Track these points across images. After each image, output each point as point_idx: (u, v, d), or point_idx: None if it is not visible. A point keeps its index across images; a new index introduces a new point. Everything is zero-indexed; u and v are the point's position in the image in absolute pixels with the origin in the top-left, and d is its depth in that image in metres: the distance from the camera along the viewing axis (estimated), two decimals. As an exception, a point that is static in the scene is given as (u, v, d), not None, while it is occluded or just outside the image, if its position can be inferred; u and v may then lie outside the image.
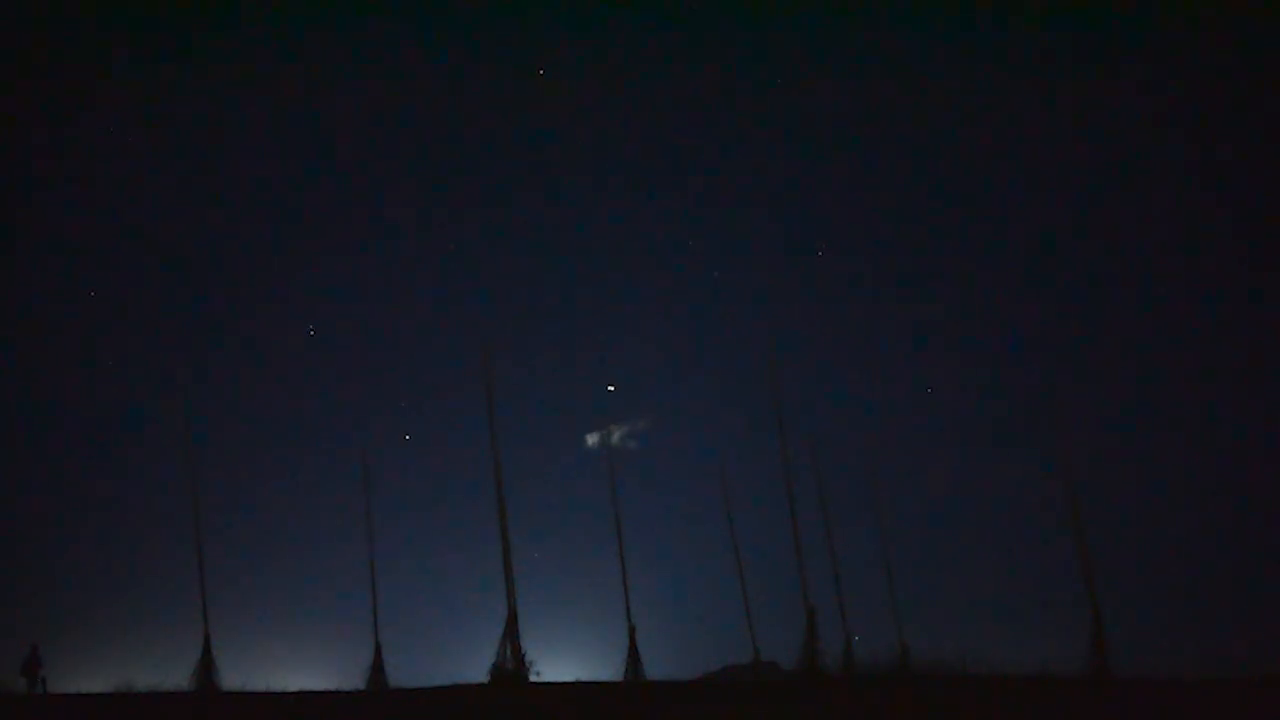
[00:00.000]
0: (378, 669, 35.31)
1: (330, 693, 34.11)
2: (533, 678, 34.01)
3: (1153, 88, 47.15)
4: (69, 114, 49.71)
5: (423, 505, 45.02)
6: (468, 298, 48.95)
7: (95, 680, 35.30)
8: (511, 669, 33.89)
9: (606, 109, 51.58)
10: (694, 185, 51.54)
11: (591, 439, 46.27)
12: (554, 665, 35.64)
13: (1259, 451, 44.30)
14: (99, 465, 46.16)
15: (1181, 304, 46.87)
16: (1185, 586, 41.86)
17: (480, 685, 33.82)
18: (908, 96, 49.67)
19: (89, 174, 49.74)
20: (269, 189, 50.71)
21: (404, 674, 35.34)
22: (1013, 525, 44.27)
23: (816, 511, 39.43)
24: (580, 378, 48.13)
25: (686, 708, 31.45)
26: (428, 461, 46.04)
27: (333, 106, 51.19)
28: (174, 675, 34.38)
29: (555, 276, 50.67)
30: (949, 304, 49.13)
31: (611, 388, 43.17)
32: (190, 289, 49.06)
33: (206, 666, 34.61)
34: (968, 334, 48.32)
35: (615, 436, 40.35)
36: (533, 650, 34.30)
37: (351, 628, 36.68)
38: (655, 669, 36.06)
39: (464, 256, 50.46)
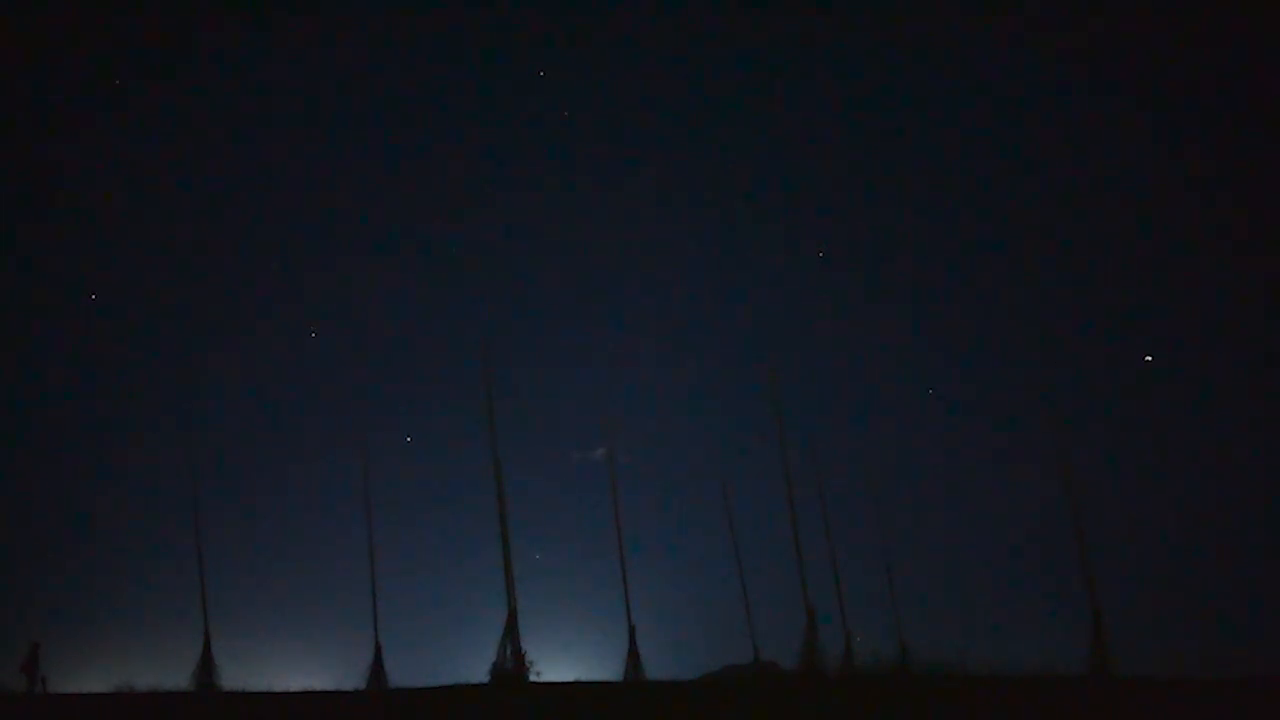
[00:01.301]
0: (378, 669, 35.30)
1: (330, 692, 34.10)
2: (533, 678, 33.90)
3: (1151, 90, 47.15)
4: (67, 111, 49.71)
5: (423, 506, 45.04)
6: (469, 298, 48.93)
7: (95, 680, 35.23)
8: (511, 669, 33.85)
9: (606, 110, 51.55)
10: (694, 187, 51.51)
11: (578, 455, 46.43)
12: (554, 665, 35.76)
13: (1259, 450, 44.26)
14: (100, 465, 46.07)
15: (1182, 304, 46.87)
16: (1186, 585, 41.86)
17: (480, 685, 33.84)
18: (908, 95, 49.64)
19: (87, 175, 49.71)
20: (270, 190, 50.60)
21: (404, 674, 35.33)
22: (1013, 524, 44.28)
23: (817, 511, 39.51)
24: (584, 377, 48.16)
25: (687, 707, 31.47)
26: (429, 462, 46.03)
27: (333, 107, 51.19)
28: (174, 675, 34.36)
29: (556, 276, 50.63)
30: (950, 304, 49.11)
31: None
32: (190, 290, 48.96)
33: (206, 666, 34.59)
34: (968, 334, 48.29)
35: (614, 439, 40.21)
36: (533, 650, 34.30)
37: (351, 628, 36.69)
38: (655, 669, 36.14)
39: (465, 255, 50.41)
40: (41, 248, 48.41)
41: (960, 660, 35.27)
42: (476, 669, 34.13)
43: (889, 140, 49.87)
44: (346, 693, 34.10)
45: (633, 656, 35.80)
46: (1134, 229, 47.48)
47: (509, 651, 33.96)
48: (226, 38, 49.90)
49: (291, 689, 33.88)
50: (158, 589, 41.53)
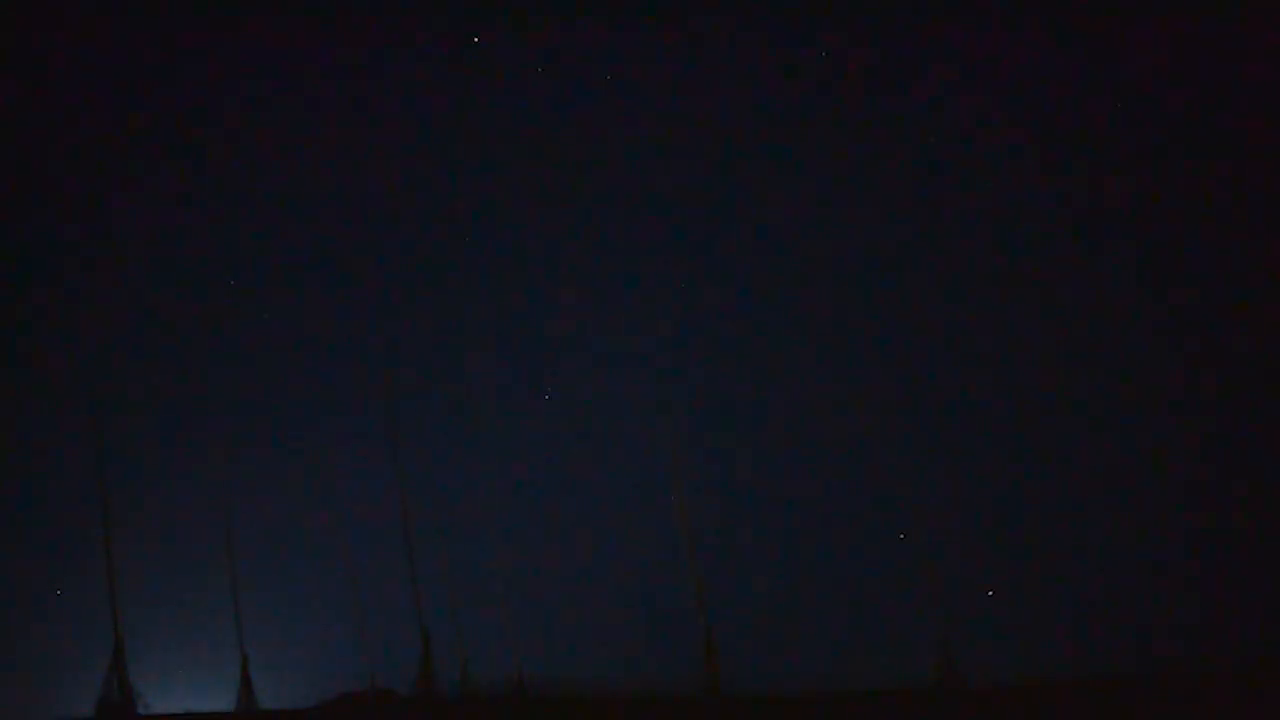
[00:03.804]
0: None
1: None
2: (141, 710, 32.81)
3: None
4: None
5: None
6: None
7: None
8: (119, 702, 32.64)
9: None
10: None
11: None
12: (164, 696, 34.13)
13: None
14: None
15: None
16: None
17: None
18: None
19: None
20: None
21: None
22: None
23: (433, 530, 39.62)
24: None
25: None
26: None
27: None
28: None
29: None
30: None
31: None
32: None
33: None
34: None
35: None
36: (141, 681, 33.25)
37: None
38: (270, 698, 35.17)
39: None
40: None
41: (580, 681, 36.32)
42: (80, 703, 32.65)
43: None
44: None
45: (245, 685, 35.08)
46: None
47: (116, 684, 32.80)
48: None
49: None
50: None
